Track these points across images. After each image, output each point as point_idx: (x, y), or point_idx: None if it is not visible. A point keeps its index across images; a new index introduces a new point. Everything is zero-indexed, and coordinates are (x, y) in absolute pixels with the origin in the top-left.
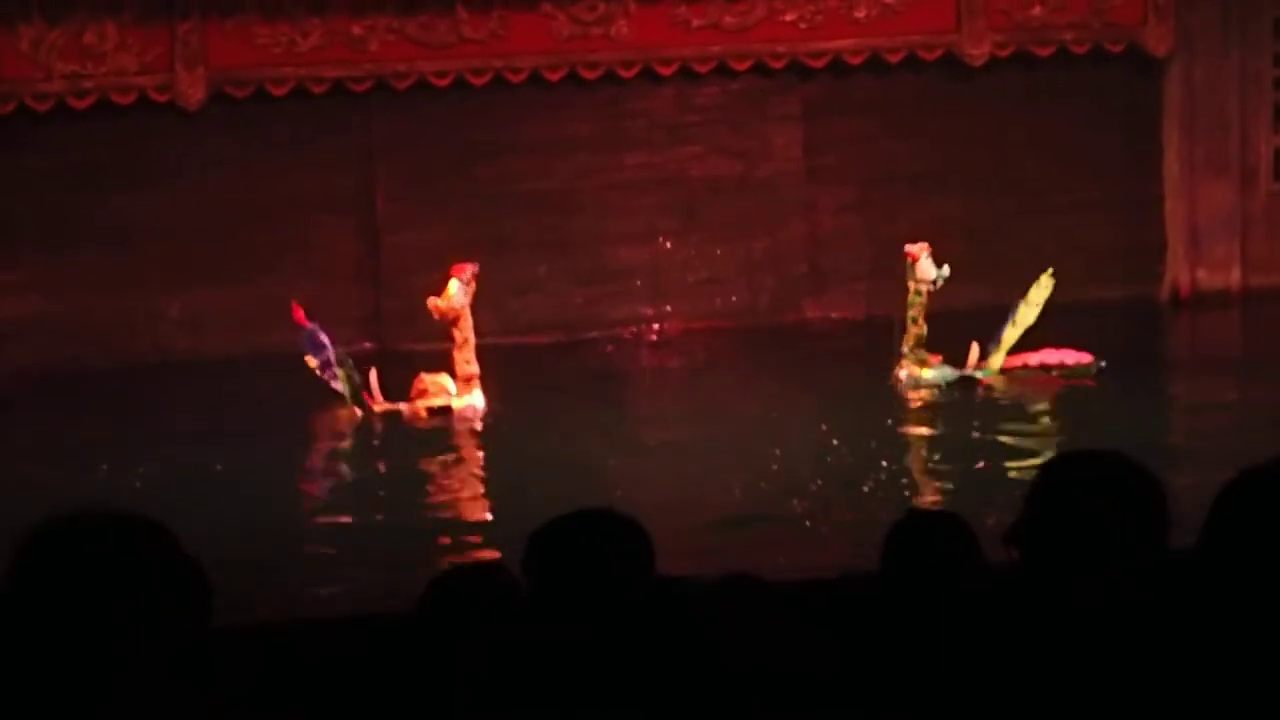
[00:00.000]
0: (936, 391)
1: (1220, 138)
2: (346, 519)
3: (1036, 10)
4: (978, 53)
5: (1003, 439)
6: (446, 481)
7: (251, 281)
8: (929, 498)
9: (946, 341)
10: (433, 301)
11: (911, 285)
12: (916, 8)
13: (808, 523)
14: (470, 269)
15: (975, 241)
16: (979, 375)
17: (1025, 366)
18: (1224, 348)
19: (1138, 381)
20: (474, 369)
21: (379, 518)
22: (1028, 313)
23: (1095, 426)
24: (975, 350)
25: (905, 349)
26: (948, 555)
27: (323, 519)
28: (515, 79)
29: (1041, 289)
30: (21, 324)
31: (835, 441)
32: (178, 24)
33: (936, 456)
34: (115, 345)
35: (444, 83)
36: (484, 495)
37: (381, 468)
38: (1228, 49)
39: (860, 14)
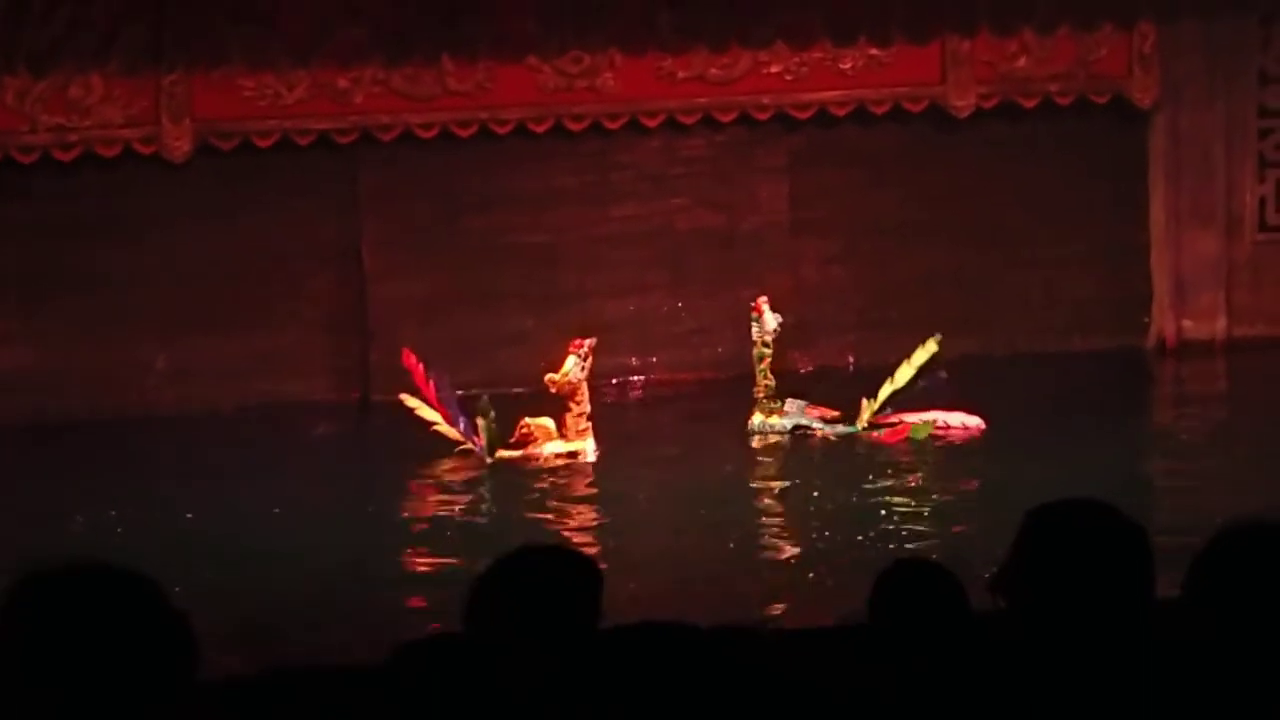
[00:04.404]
0: (783, 438)
1: (1205, 187)
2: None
3: (1021, 62)
4: (963, 104)
5: (989, 489)
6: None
7: (238, 333)
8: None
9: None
10: (550, 378)
11: (758, 339)
12: (902, 59)
13: (811, 574)
14: (587, 344)
15: (962, 292)
16: (819, 427)
17: (898, 423)
18: (1207, 398)
19: (1122, 431)
20: (588, 428)
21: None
22: (906, 372)
23: (1084, 476)
24: (865, 405)
25: (759, 398)
26: (934, 604)
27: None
28: (501, 130)
29: (925, 350)
30: (5, 376)
31: (816, 494)
32: (163, 76)
33: (925, 509)
34: (100, 397)
35: (430, 134)
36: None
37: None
38: (1213, 99)
39: (846, 65)
